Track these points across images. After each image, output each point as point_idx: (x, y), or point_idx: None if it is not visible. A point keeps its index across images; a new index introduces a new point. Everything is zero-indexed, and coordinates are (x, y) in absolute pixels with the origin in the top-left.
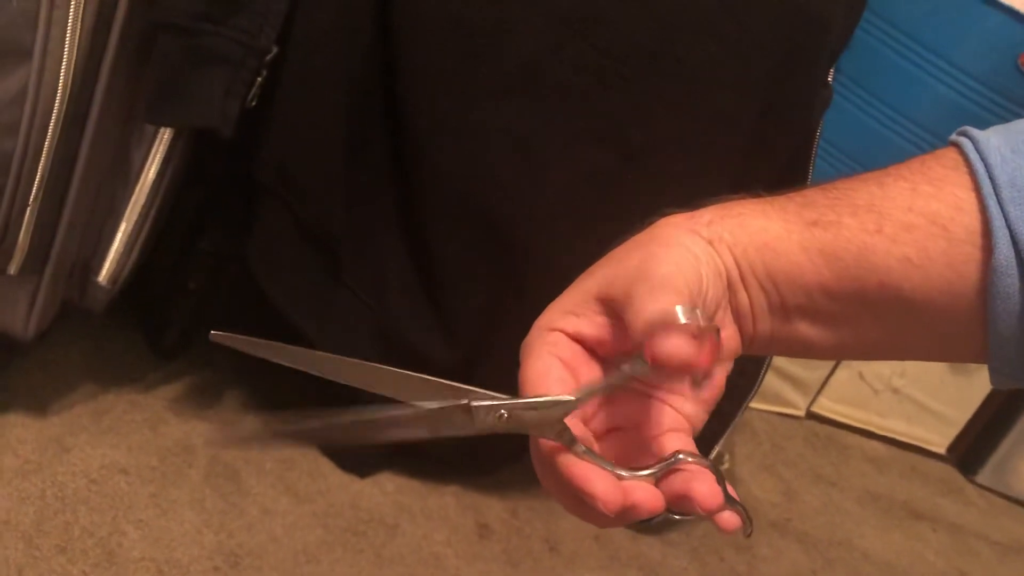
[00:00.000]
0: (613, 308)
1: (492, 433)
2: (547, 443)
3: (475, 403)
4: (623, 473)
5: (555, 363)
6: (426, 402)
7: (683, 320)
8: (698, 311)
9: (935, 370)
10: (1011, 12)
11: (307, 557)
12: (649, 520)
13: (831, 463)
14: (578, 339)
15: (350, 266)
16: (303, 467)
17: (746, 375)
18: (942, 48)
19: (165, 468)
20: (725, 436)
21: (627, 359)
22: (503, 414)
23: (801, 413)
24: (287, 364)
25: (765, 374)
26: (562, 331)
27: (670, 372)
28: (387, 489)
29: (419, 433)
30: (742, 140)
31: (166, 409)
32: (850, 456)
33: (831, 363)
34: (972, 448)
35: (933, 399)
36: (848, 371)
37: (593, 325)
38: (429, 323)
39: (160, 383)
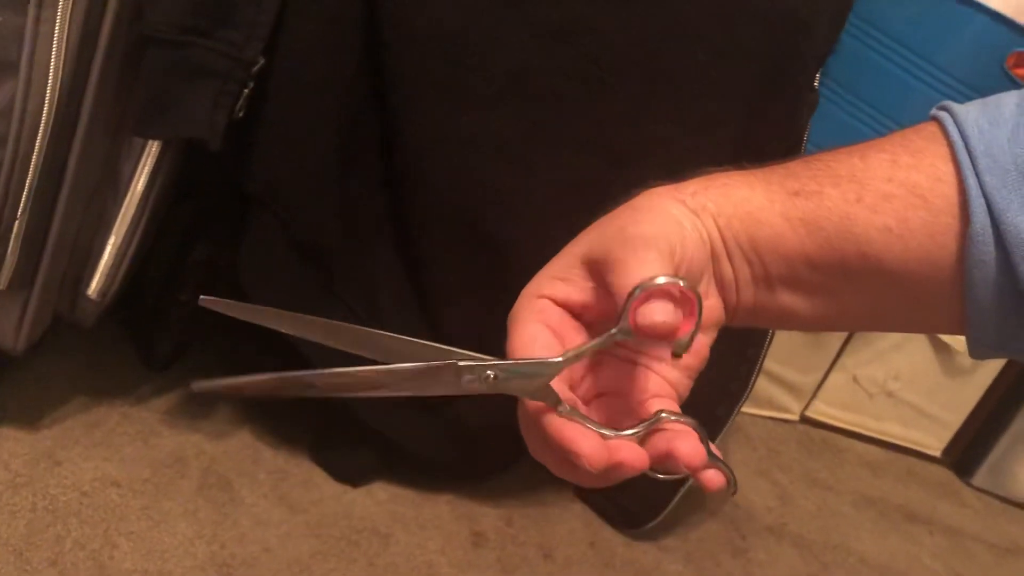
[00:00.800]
0: (597, 271)
1: (478, 394)
2: (533, 404)
3: (462, 363)
4: (608, 432)
5: (542, 329)
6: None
7: (662, 282)
8: (680, 280)
9: (929, 373)
10: (995, 15)
11: (300, 567)
12: (645, 524)
13: (826, 467)
14: (565, 305)
15: (341, 277)
16: (296, 477)
17: (738, 379)
18: (928, 51)
19: (157, 480)
20: (718, 440)
21: (613, 323)
22: (490, 375)
23: (795, 417)
24: (276, 328)
25: (756, 378)
26: (549, 297)
27: (651, 336)
28: (380, 498)
29: (406, 390)
30: (729, 146)
31: (158, 421)
32: (845, 460)
33: (825, 367)
34: (967, 451)
35: (928, 402)
36: (842, 375)
37: (579, 290)
38: (421, 334)
39: (152, 395)
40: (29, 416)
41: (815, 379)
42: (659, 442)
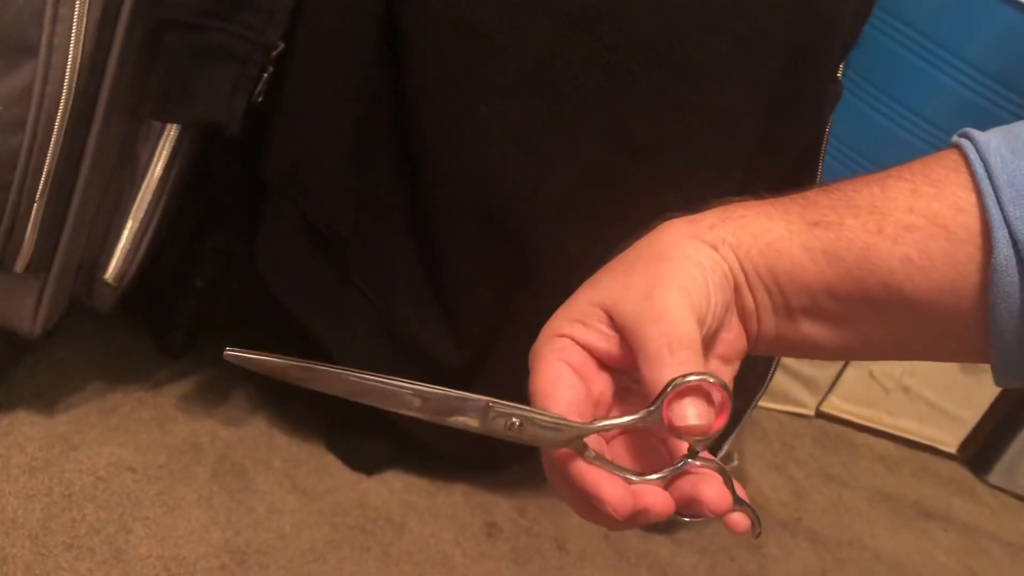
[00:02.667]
0: (621, 330)
1: (498, 437)
2: (557, 450)
3: (493, 403)
4: (633, 477)
5: (564, 369)
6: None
7: (694, 380)
8: (710, 377)
9: (946, 369)
10: (1022, 8)
11: (314, 555)
12: None
13: (841, 462)
14: (587, 348)
15: (358, 265)
16: (310, 465)
17: (755, 373)
18: (953, 44)
19: (172, 466)
20: (734, 435)
21: (646, 404)
22: (515, 423)
23: (811, 412)
24: (304, 385)
25: (774, 372)
26: (570, 337)
27: (684, 436)
28: (394, 487)
29: (426, 412)
30: (751, 137)
31: (173, 407)
32: (860, 455)
33: (841, 362)
34: (983, 448)
35: (944, 398)
36: (858, 370)
37: (601, 337)
38: (437, 323)
39: (167, 381)
40: (45, 400)
41: (831, 374)
42: (684, 487)
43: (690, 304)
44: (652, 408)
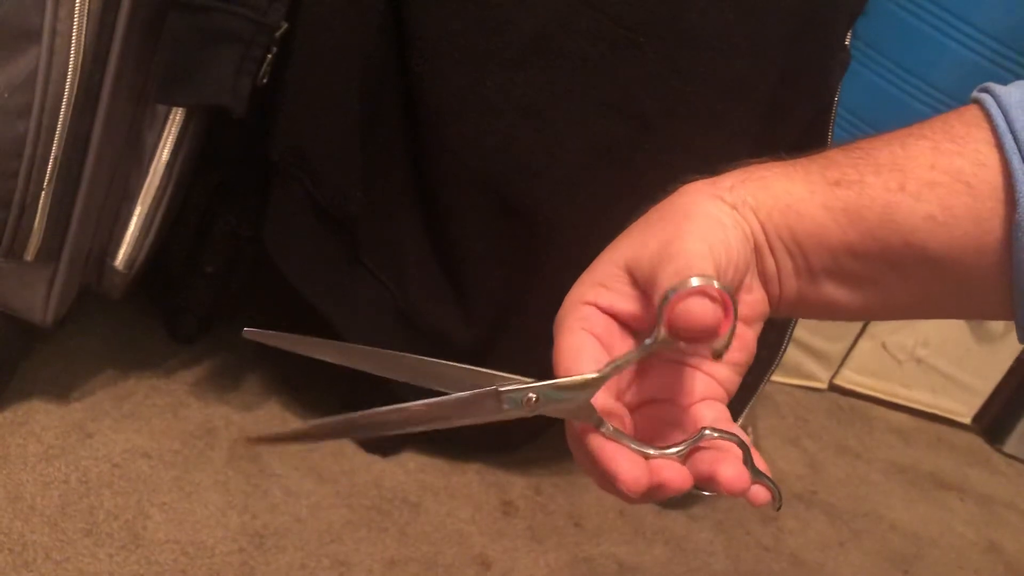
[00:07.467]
0: (643, 285)
1: (520, 417)
2: (577, 423)
3: (503, 389)
4: (650, 451)
5: (588, 339)
6: (456, 392)
7: (696, 284)
8: (714, 281)
9: (959, 340)
10: None
11: (331, 536)
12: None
13: (855, 435)
14: (610, 313)
15: (367, 246)
16: (325, 448)
17: (768, 346)
18: (960, 9)
19: (188, 451)
20: (748, 410)
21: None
22: (531, 397)
23: (824, 385)
24: (317, 357)
25: (787, 346)
26: (594, 304)
27: (687, 337)
28: (409, 468)
29: (449, 421)
30: (760, 107)
31: (187, 393)
32: (874, 427)
33: (853, 335)
34: (998, 417)
35: (957, 369)
36: (871, 342)
37: (624, 298)
38: (447, 302)
39: (180, 367)
40: (59, 389)
41: (844, 347)
42: (702, 463)
43: (710, 252)
44: (657, 330)
